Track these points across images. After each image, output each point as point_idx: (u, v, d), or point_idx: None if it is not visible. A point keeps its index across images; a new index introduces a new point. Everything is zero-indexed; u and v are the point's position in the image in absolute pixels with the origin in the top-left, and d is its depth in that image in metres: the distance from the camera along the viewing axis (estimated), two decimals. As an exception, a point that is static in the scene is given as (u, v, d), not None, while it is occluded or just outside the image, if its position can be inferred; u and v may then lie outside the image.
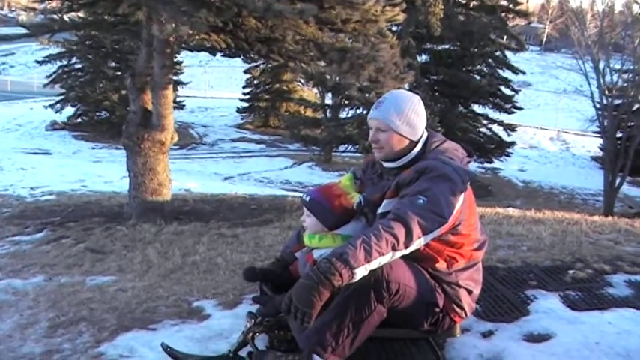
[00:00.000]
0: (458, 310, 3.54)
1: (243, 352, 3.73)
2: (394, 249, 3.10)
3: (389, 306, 3.30)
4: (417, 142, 3.56)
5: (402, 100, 3.57)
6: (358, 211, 3.60)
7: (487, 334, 4.12)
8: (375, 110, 3.60)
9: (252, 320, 3.75)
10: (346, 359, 3.35)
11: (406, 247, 3.14)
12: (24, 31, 10.16)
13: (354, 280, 3.07)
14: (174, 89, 12.01)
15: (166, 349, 3.87)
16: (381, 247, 3.06)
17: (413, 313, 3.45)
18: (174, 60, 9.89)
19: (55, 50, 36.18)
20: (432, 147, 3.54)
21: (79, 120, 37.87)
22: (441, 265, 3.46)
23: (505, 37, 33.26)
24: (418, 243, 3.18)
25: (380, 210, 3.45)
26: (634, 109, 28.73)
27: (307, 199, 3.68)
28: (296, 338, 3.52)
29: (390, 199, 3.42)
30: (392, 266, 3.22)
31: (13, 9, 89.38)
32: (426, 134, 3.61)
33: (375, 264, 3.08)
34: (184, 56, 32.78)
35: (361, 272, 3.05)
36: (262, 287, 3.92)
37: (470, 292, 3.57)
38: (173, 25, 7.98)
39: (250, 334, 3.69)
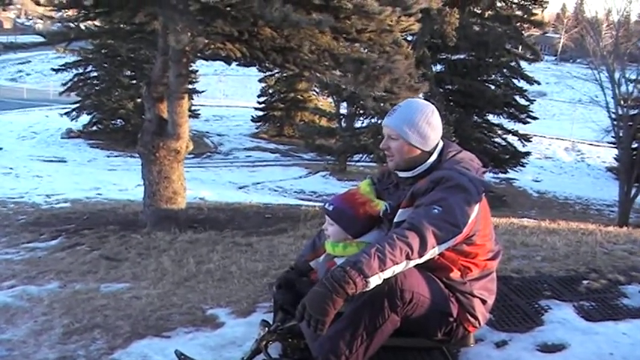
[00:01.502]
0: (472, 319, 3.54)
1: (256, 360, 3.74)
2: (408, 258, 3.10)
3: (402, 315, 3.31)
4: (430, 152, 3.56)
5: (416, 110, 3.57)
6: (385, 219, 3.60)
7: (501, 344, 4.11)
8: (388, 118, 3.60)
9: (266, 328, 3.76)
10: (360, 368, 3.35)
11: (420, 256, 3.13)
12: (40, 39, 10.20)
13: (367, 289, 3.06)
14: (190, 98, 12.03)
15: (180, 356, 3.88)
16: (395, 256, 3.06)
17: (426, 323, 3.45)
18: (190, 69, 9.90)
19: (71, 58, 36.44)
20: (448, 157, 3.54)
21: (94, 128, 38.17)
22: (455, 274, 3.46)
23: (520, 46, 33.25)
24: (432, 252, 3.18)
25: (395, 219, 3.46)
26: (649, 119, 28.65)
27: (330, 207, 3.67)
28: (309, 346, 3.53)
29: (405, 209, 3.41)
30: (406, 275, 3.23)
31: (30, 17, 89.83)
32: (441, 144, 3.60)
33: (388, 273, 3.08)
34: (199, 65, 32.84)
35: (375, 281, 3.05)
36: (275, 297, 3.93)
37: (484, 301, 3.56)
38: (189, 34, 8.01)
39: (264, 343, 3.70)
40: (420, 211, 3.25)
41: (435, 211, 3.20)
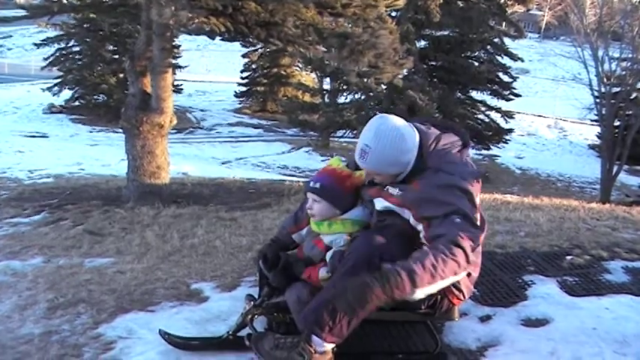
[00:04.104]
0: (456, 292, 3.55)
1: (241, 334, 3.74)
2: (455, 274, 3.19)
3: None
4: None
5: (387, 147, 3.50)
6: (364, 195, 3.63)
7: (485, 319, 4.15)
8: (363, 162, 3.56)
9: (251, 302, 3.76)
10: (344, 342, 3.36)
11: (464, 270, 3.24)
12: (22, 13, 10.08)
13: (408, 298, 3.14)
14: (172, 73, 11.96)
15: (164, 336, 3.88)
16: (445, 273, 3.12)
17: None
18: (173, 43, 9.80)
19: (52, 33, 36.13)
20: (430, 149, 3.54)
21: (76, 103, 37.88)
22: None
23: (504, 23, 33.20)
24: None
25: (377, 207, 3.50)
26: (632, 97, 28.77)
27: (317, 185, 3.66)
28: (295, 320, 3.54)
29: (387, 201, 3.48)
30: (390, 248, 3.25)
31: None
32: (417, 137, 3.57)
33: (433, 288, 3.16)
34: (182, 40, 32.64)
35: (419, 295, 3.13)
36: (261, 268, 3.92)
37: (469, 274, 3.55)
38: (173, 8, 7.93)
39: (249, 317, 3.71)
40: (447, 225, 3.26)
41: (458, 220, 3.25)
